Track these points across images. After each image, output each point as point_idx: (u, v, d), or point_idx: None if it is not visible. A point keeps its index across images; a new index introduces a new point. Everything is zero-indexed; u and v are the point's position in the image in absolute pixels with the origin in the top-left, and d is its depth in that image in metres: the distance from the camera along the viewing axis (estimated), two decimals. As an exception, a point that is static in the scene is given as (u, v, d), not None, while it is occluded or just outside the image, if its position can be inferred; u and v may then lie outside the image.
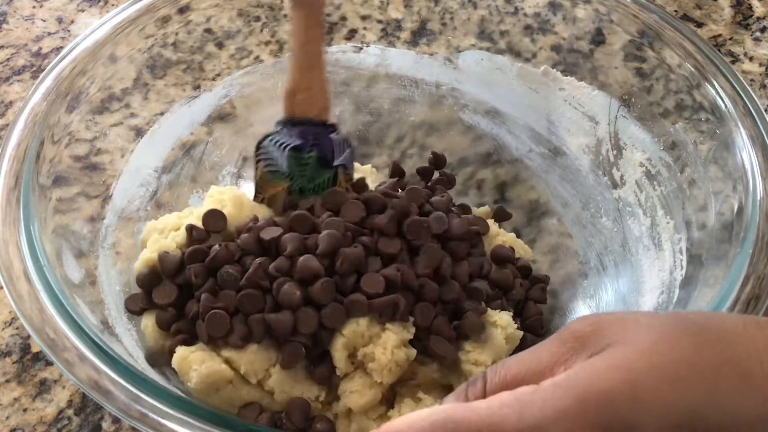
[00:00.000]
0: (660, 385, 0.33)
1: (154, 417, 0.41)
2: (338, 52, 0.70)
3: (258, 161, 0.59)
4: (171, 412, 0.41)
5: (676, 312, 0.38)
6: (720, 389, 0.33)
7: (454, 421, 0.33)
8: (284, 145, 0.58)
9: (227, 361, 0.50)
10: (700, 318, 0.36)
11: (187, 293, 0.53)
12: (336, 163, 0.58)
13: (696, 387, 0.33)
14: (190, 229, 0.54)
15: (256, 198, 0.60)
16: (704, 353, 0.33)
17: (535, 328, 0.58)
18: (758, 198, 0.51)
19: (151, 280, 0.53)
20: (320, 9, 0.57)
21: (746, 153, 0.54)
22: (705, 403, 0.33)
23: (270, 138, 0.59)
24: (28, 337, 0.59)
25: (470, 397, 0.36)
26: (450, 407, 0.35)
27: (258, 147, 0.59)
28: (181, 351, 0.50)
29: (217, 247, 0.52)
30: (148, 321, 0.53)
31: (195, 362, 0.49)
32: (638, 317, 0.36)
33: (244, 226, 0.54)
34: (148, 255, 0.54)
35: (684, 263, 0.55)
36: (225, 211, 0.56)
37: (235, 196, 0.58)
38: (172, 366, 0.50)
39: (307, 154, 0.57)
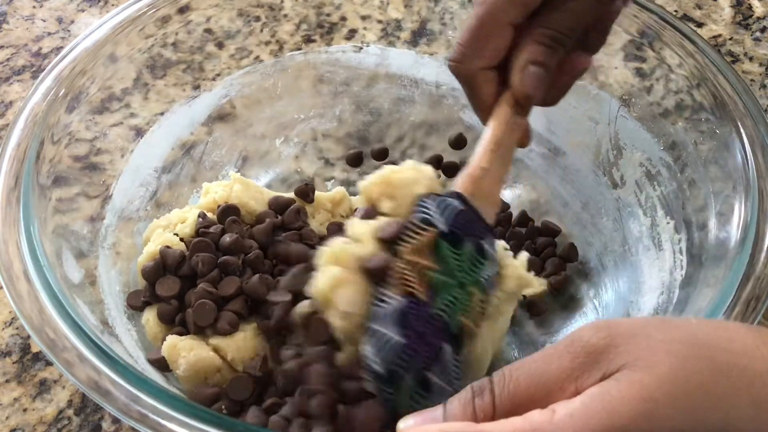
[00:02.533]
0: (676, 416, 0.33)
1: (154, 417, 0.41)
2: (338, 52, 0.70)
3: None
4: (171, 412, 0.41)
5: (687, 324, 0.36)
6: (732, 416, 0.33)
7: None
8: (447, 209, 0.47)
9: (215, 349, 0.50)
10: (713, 335, 0.35)
11: (191, 286, 0.53)
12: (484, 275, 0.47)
13: (711, 416, 0.33)
14: (203, 215, 0.55)
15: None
16: (718, 379, 0.33)
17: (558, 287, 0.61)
18: (758, 198, 0.51)
19: (156, 272, 0.54)
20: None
21: (746, 153, 0.54)
22: (718, 430, 0.33)
23: (432, 200, 0.48)
24: (28, 337, 0.59)
25: (478, 412, 0.35)
26: (461, 428, 0.34)
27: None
28: (170, 339, 0.50)
29: (227, 238, 0.52)
30: (150, 315, 0.53)
31: (183, 350, 0.49)
32: (650, 332, 0.35)
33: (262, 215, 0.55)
34: (153, 248, 0.55)
35: (684, 263, 0.55)
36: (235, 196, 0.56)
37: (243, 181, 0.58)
38: (162, 354, 0.50)
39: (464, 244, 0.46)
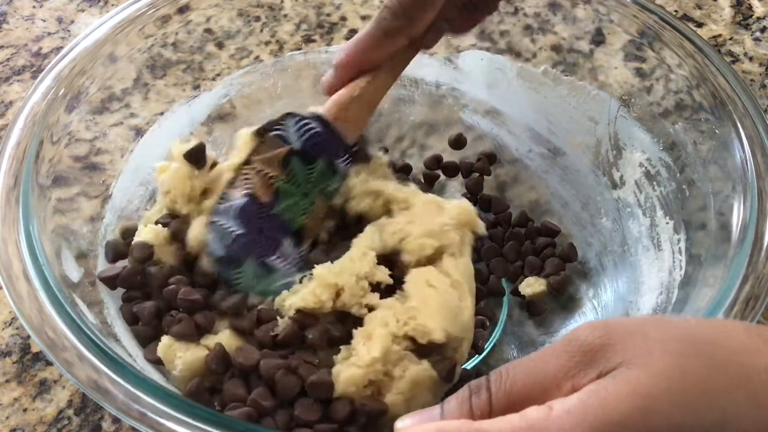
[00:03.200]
0: (673, 412, 0.33)
1: (154, 417, 0.41)
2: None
3: (267, 129, 0.55)
4: (170, 411, 0.41)
5: (684, 322, 0.36)
6: (730, 412, 0.33)
7: None
8: (307, 130, 0.55)
9: (209, 348, 0.50)
10: (710, 332, 0.36)
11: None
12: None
13: (707, 412, 0.33)
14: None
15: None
16: (715, 376, 0.33)
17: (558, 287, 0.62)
18: (757, 198, 0.51)
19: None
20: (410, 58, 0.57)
21: (746, 153, 0.53)
22: (716, 427, 0.33)
23: (293, 119, 0.55)
24: (28, 337, 0.59)
25: (475, 410, 0.36)
26: (457, 427, 0.34)
27: (274, 122, 0.56)
28: (165, 340, 0.50)
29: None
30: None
31: (179, 350, 0.49)
32: (647, 330, 0.35)
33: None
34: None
35: (683, 263, 0.55)
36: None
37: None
38: (158, 355, 0.50)
39: (315, 162, 0.55)
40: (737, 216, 0.51)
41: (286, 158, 0.54)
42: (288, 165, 0.54)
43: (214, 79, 0.67)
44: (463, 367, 0.52)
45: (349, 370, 0.47)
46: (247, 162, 0.54)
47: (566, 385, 0.34)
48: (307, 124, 0.54)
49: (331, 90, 0.55)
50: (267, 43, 0.69)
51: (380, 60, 0.54)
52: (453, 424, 0.35)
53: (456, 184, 0.70)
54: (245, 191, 0.53)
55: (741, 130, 0.55)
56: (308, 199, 0.55)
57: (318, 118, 0.54)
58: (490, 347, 0.60)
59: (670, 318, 0.37)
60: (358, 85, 0.54)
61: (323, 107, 0.54)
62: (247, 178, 0.54)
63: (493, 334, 0.61)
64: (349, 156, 0.56)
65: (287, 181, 0.54)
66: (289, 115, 0.55)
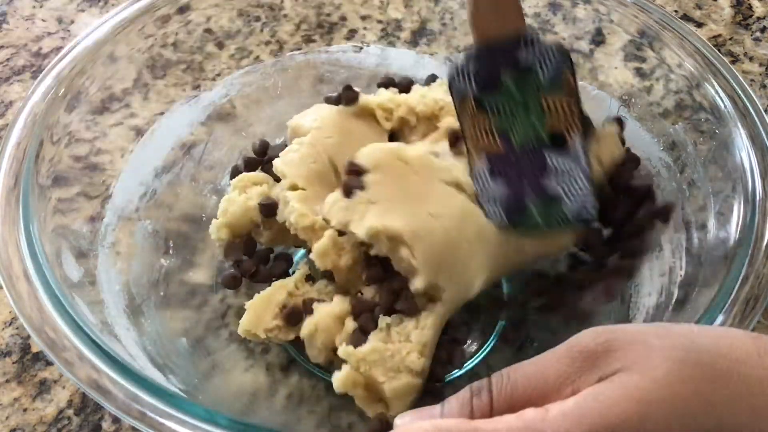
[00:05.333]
0: (669, 420, 0.32)
1: (154, 416, 0.41)
2: (338, 52, 0.70)
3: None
4: (170, 411, 0.41)
5: (687, 331, 0.36)
6: (728, 423, 0.33)
7: None
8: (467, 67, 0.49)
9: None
10: (713, 342, 0.35)
11: None
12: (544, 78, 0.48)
13: (705, 422, 0.33)
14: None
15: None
16: (716, 386, 0.33)
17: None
18: (757, 198, 0.51)
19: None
20: None
21: (746, 153, 0.53)
22: None
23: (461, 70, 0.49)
24: (28, 337, 0.59)
25: (475, 411, 0.36)
26: (456, 425, 0.34)
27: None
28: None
29: None
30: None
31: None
32: (649, 337, 0.35)
33: None
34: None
35: (683, 263, 0.55)
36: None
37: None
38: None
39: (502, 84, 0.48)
40: (737, 216, 0.51)
41: (475, 103, 0.49)
42: (484, 105, 0.48)
43: (214, 79, 0.67)
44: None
45: None
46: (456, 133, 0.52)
47: (566, 390, 0.34)
48: (462, 64, 0.48)
49: None
50: (267, 43, 0.69)
51: None
52: (450, 422, 0.35)
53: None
54: (480, 156, 0.49)
55: (741, 131, 0.55)
56: (533, 107, 0.48)
57: (471, 54, 0.48)
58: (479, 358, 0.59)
59: (674, 326, 0.38)
60: None
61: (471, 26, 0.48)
62: (475, 143, 0.50)
63: (487, 343, 0.60)
64: (531, 48, 0.48)
65: (499, 117, 0.49)
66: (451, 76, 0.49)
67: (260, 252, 0.58)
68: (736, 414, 0.33)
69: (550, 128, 0.48)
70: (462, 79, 0.48)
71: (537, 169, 0.48)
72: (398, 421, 0.37)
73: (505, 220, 0.49)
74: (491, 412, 0.35)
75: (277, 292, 0.53)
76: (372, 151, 0.53)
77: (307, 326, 0.51)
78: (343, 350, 0.49)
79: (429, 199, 0.51)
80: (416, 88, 0.63)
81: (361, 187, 0.51)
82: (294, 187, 0.55)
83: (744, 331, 0.36)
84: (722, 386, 0.33)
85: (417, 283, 0.49)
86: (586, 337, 0.35)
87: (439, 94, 0.60)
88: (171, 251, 0.61)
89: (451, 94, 0.49)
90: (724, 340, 0.36)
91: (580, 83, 0.65)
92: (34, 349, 0.59)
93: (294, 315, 0.52)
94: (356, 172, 0.51)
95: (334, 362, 0.51)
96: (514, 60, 0.47)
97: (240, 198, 0.57)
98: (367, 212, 0.50)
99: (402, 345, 0.49)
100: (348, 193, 0.51)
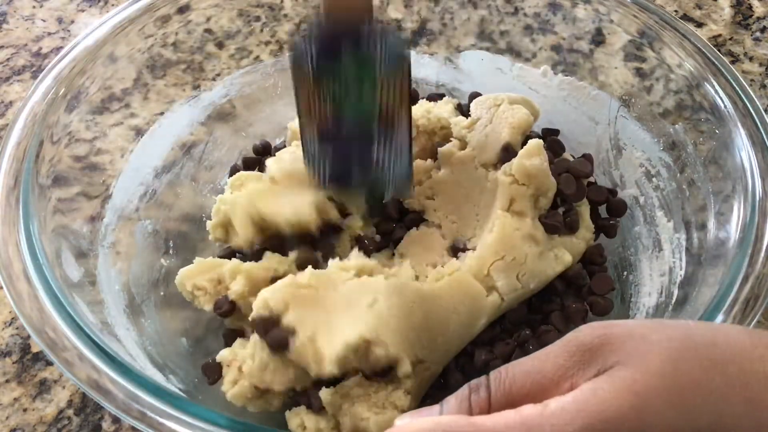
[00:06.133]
0: (666, 411, 0.33)
1: (154, 416, 0.41)
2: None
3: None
4: (170, 411, 0.41)
5: (684, 325, 0.36)
6: (725, 414, 0.33)
7: None
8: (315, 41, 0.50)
9: None
10: (709, 334, 0.36)
11: None
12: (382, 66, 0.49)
13: (702, 412, 0.33)
14: None
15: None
16: (712, 376, 0.33)
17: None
18: (757, 198, 0.51)
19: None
20: None
21: (745, 153, 0.53)
22: (710, 427, 0.33)
23: (300, 41, 0.50)
24: (28, 337, 0.59)
25: (474, 407, 0.36)
26: (454, 421, 0.34)
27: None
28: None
29: None
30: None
31: None
32: (646, 333, 0.35)
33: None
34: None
35: (683, 263, 0.55)
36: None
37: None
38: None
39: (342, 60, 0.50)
40: (737, 216, 0.51)
41: (312, 75, 0.50)
42: (322, 84, 0.50)
43: (214, 79, 0.67)
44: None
45: None
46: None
47: (565, 385, 0.34)
48: (306, 38, 0.49)
49: None
50: (267, 43, 0.69)
51: None
52: (450, 418, 0.35)
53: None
54: (311, 122, 0.51)
55: (741, 130, 0.55)
56: (367, 83, 0.50)
57: (316, 21, 0.49)
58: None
59: (670, 321, 0.38)
60: None
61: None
62: (305, 109, 0.51)
63: None
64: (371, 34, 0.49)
65: (334, 89, 0.50)
66: (294, 42, 0.50)
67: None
68: (732, 403, 0.33)
69: (383, 104, 0.50)
70: (305, 46, 0.49)
71: (365, 140, 0.51)
72: (398, 422, 0.37)
73: (330, 183, 0.53)
74: (489, 409, 0.35)
75: (234, 268, 0.53)
76: (272, 295, 0.49)
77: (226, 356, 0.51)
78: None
79: (358, 300, 0.49)
80: (422, 102, 0.64)
81: (290, 333, 0.47)
82: (273, 182, 0.57)
83: (739, 326, 0.36)
84: (718, 378, 0.33)
85: (404, 368, 0.47)
86: (584, 332, 0.36)
87: (444, 112, 0.62)
88: (171, 251, 0.61)
89: (291, 61, 0.50)
90: (719, 333, 0.36)
91: (580, 83, 0.65)
92: (34, 349, 0.59)
93: (230, 310, 0.53)
94: (271, 323, 0.48)
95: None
96: (357, 37, 0.49)
97: (232, 196, 0.57)
98: (316, 349, 0.47)
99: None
100: (280, 348, 0.48)
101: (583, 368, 0.35)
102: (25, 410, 0.56)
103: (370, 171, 0.52)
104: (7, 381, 0.57)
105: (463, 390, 0.37)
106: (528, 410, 0.33)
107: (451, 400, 0.37)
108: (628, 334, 0.35)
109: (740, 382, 0.33)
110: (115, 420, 0.55)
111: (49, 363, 0.58)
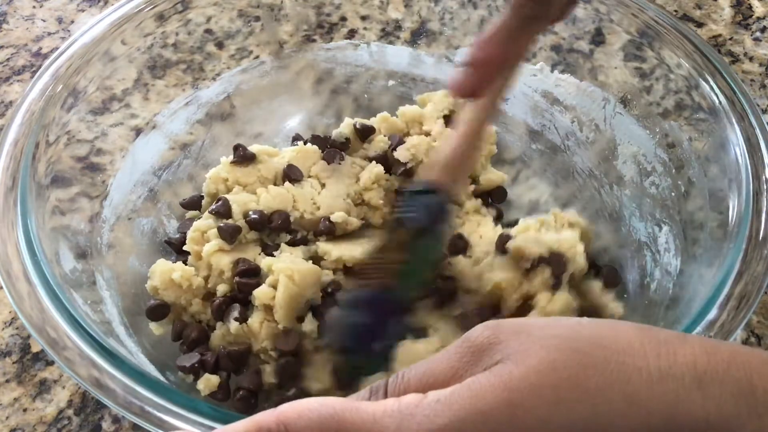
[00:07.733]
0: (540, 406, 0.33)
1: (154, 412, 0.41)
2: (336, 49, 0.70)
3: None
4: (171, 407, 0.41)
5: (574, 322, 0.36)
6: (602, 410, 0.33)
7: (340, 419, 0.34)
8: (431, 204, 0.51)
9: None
10: (597, 332, 0.36)
11: None
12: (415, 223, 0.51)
13: (576, 409, 0.33)
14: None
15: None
16: (590, 373, 0.33)
17: None
18: (752, 196, 0.51)
19: None
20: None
21: (740, 152, 0.54)
22: (585, 425, 0.33)
23: (410, 195, 0.52)
24: (28, 337, 0.59)
25: None
26: (341, 405, 0.35)
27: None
28: None
29: None
30: None
31: None
32: (533, 329, 0.35)
33: None
34: None
35: (679, 260, 0.55)
36: None
37: None
38: None
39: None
40: (732, 214, 0.52)
41: (413, 239, 0.51)
42: (413, 246, 0.51)
43: (214, 79, 0.67)
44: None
45: None
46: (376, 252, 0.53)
47: (454, 384, 0.35)
48: (426, 198, 0.51)
49: (464, 91, 0.50)
50: (267, 43, 0.69)
51: (518, 53, 0.49)
52: (335, 402, 0.35)
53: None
54: (374, 281, 0.51)
55: (738, 130, 0.55)
56: (424, 271, 0.53)
57: (435, 188, 0.51)
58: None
59: (561, 318, 0.38)
60: (463, 137, 0.51)
61: (433, 172, 0.51)
62: (376, 267, 0.52)
63: None
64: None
65: (411, 262, 0.51)
66: (404, 192, 0.52)
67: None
68: (610, 401, 0.33)
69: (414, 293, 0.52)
70: (421, 204, 0.51)
71: (386, 314, 0.51)
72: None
73: (339, 344, 0.52)
74: None
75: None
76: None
77: None
78: None
79: None
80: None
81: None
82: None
83: (634, 324, 0.37)
84: (597, 374, 0.33)
85: None
86: (476, 332, 0.36)
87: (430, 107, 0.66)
88: (170, 250, 0.61)
89: (405, 221, 0.51)
90: (607, 331, 0.36)
91: (580, 83, 0.65)
92: (34, 349, 0.59)
93: (222, 309, 0.55)
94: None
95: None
96: (444, 222, 0.52)
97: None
98: None
99: None
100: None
101: (471, 367, 0.35)
102: (25, 410, 0.56)
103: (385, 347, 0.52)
104: (7, 381, 0.57)
105: (365, 392, 0.37)
106: (407, 399, 0.34)
107: (351, 397, 0.38)
108: (516, 332, 0.35)
109: (621, 379, 0.33)
110: (116, 420, 0.55)
111: (49, 363, 0.58)
